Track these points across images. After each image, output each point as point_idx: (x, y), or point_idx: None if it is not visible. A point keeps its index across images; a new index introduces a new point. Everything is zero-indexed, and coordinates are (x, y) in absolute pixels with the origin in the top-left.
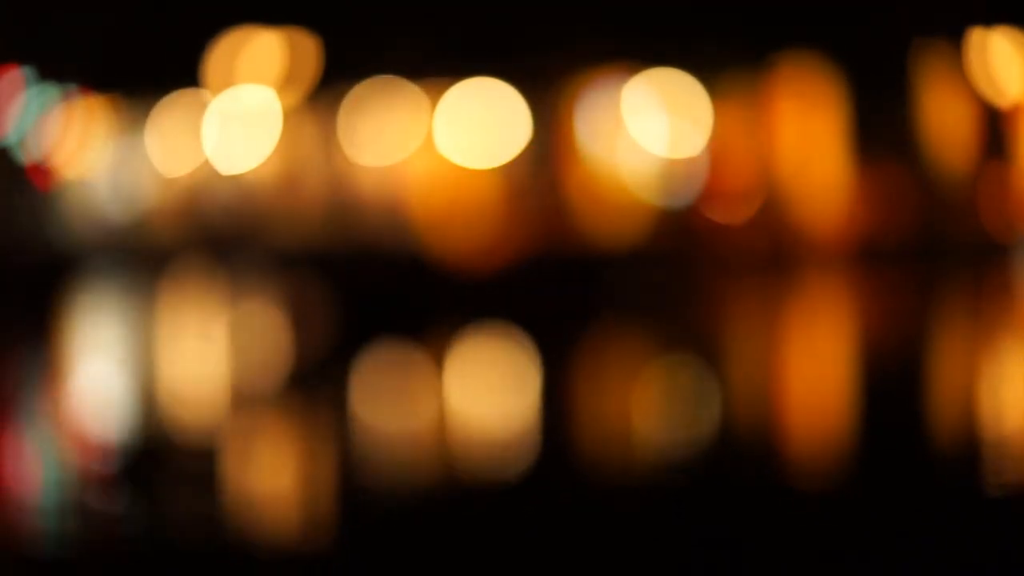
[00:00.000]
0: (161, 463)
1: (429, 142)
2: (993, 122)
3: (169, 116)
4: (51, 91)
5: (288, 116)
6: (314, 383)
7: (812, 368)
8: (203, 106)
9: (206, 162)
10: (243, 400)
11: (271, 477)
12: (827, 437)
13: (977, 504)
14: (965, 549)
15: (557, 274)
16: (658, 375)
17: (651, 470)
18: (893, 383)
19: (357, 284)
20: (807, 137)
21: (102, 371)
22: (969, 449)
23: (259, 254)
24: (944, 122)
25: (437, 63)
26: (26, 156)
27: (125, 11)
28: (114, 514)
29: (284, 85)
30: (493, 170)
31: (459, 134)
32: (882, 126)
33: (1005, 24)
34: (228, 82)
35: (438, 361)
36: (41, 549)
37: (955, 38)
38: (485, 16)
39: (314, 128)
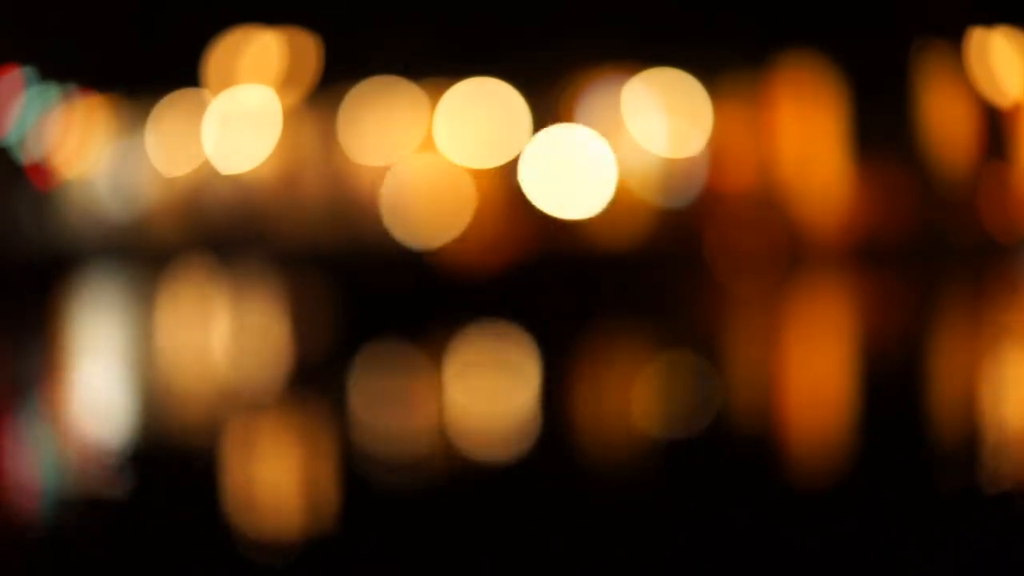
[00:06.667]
0: (161, 463)
1: (429, 142)
2: (993, 122)
3: (169, 116)
4: (51, 91)
5: (288, 116)
6: (314, 383)
7: (812, 368)
8: (203, 106)
9: (206, 162)
10: (243, 399)
11: (271, 476)
12: (827, 436)
13: (977, 503)
14: (964, 548)
15: (557, 274)
16: (658, 375)
17: (651, 469)
18: (893, 383)
19: (357, 284)
20: (807, 137)
21: (102, 371)
22: (969, 448)
23: (259, 254)
24: (944, 122)
25: (437, 63)
26: (26, 156)
27: (125, 11)
28: (113, 514)
29: (284, 85)
30: (493, 170)
31: (459, 134)
32: (882, 126)
33: (1005, 24)
34: (228, 82)
35: (438, 361)
36: (40, 546)
37: (955, 38)
38: (485, 16)
39: (314, 128)
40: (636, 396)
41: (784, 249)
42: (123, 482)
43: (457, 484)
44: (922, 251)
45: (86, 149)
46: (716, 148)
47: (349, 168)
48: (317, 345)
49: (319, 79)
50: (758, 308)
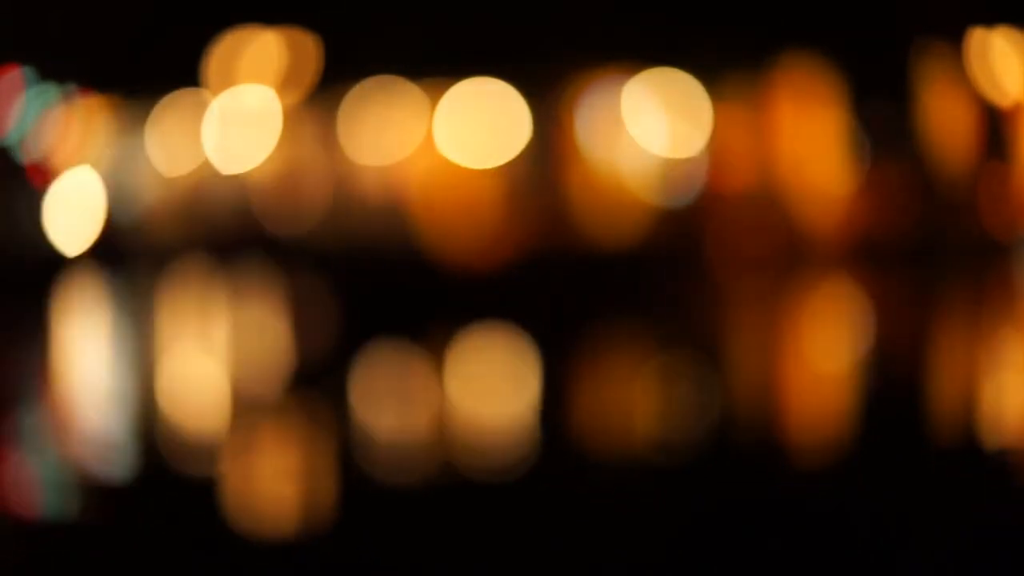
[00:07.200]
0: (161, 464)
1: (429, 142)
2: (993, 122)
3: (169, 116)
4: (51, 91)
5: (288, 116)
6: (314, 383)
7: (812, 368)
8: (203, 106)
9: (206, 162)
10: (243, 400)
11: (272, 476)
12: (828, 436)
13: (976, 503)
14: (963, 549)
15: (557, 274)
16: (658, 375)
17: (650, 469)
18: (893, 383)
19: (357, 284)
20: (807, 137)
21: (102, 371)
22: (969, 448)
23: (259, 254)
24: (944, 122)
25: (437, 63)
26: (26, 156)
27: (125, 11)
28: (112, 515)
29: (284, 85)
30: (493, 170)
31: (459, 134)
32: (882, 126)
33: (1005, 24)
34: (228, 82)
35: (438, 361)
36: (40, 547)
37: (955, 38)
38: (486, 16)
39: (314, 128)
40: (636, 397)
41: (784, 249)
42: (122, 483)
43: (456, 485)
44: (922, 251)
45: (86, 149)
46: (716, 148)
47: (349, 168)
48: (317, 345)
49: (319, 79)
50: (758, 308)
